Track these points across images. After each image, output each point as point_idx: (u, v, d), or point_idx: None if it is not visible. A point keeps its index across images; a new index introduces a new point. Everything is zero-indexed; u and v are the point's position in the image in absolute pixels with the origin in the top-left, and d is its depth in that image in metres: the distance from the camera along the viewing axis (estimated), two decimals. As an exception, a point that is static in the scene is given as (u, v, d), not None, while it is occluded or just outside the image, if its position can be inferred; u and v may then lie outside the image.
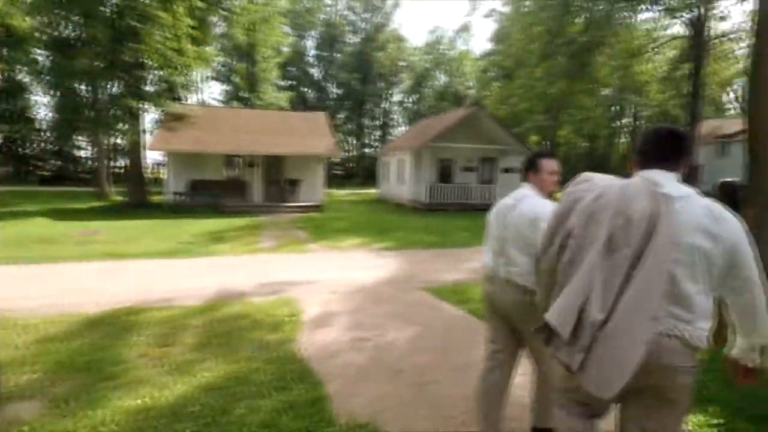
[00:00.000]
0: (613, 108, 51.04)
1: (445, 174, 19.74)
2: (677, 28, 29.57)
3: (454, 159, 19.72)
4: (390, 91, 52.45)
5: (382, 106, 52.60)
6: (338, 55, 48.94)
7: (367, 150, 49.89)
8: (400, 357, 3.73)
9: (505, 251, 2.27)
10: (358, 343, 4.03)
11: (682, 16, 28.29)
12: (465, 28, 53.37)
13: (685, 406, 1.50)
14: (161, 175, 28.06)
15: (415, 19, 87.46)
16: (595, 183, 1.56)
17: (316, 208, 17.28)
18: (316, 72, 49.97)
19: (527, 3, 23.80)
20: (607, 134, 57.25)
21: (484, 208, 14.03)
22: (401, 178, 20.92)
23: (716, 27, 30.63)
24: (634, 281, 1.34)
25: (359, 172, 46.48)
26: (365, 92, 47.53)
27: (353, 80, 46.73)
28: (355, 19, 49.58)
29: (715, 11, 28.54)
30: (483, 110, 18.80)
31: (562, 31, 20.94)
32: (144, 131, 21.33)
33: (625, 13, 24.39)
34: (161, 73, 17.18)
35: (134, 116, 16.76)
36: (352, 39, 49.72)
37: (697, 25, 27.54)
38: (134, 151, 18.85)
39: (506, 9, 33.08)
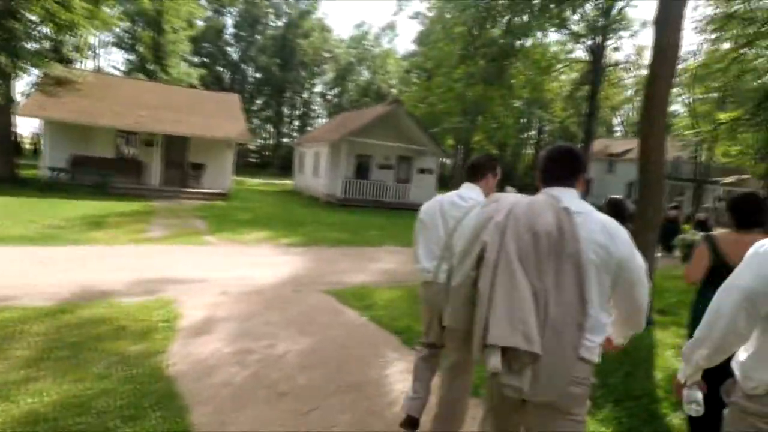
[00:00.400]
0: (522, 120, 54.81)
1: (361, 170, 19.48)
2: (580, 52, 32.36)
3: (372, 155, 19.54)
4: (312, 81, 51.13)
5: (304, 95, 51.13)
6: (259, 38, 46.55)
7: (285, 139, 48.17)
8: (287, 375, 3.27)
9: (451, 257, 2.10)
10: (241, 357, 3.50)
11: (584, 42, 30.98)
12: (391, 27, 53.85)
13: (583, 421, 1.56)
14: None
15: (342, 12, 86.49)
16: (504, 201, 1.61)
17: (222, 196, 16.03)
18: (233, 52, 47.05)
19: (450, 5, 24.23)
20: (515, 144, 61.38)
21: (399, 208, 13.99)
22: (317, 171, 20.29)
23: (611, 56, 34.11)
24: (557, 294, 1.40)
25: (276, 161, 44.72)
26: (286, 79, 45.76)
27: (273, 65, 44.77)
28: (279, 2, 47.48)
29: (610, 41, 31.69)
30: (403, 108, 18.81)
31: (482, 34, 21.67)
32: (22, 95, 18.20)
33: (538, 33, 26.08)
34: (44, 29, 14.72)
35: (4, 75, 14.15)
36: (275, 22, 47.59)
37: (596, 52, 30.34)
38: (2, 114, 15.98)
39: (431, 14, 33.80)
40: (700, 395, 1.58)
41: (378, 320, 4.63)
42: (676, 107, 35.79)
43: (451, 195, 2.39)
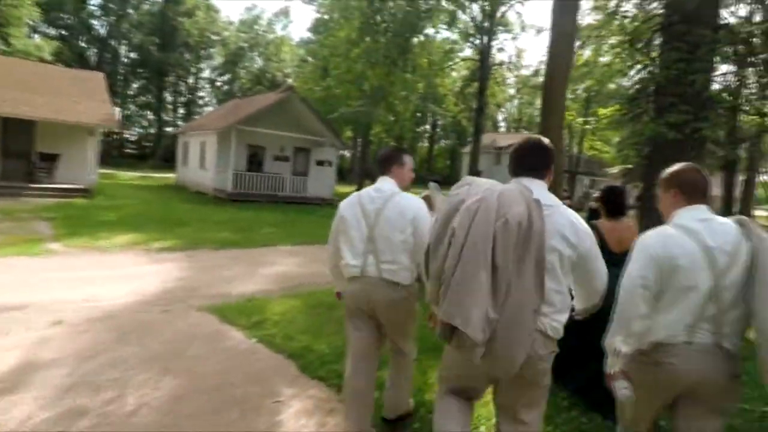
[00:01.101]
0: (417, 114, 56.39)
1: (254, 162, 18.00)
2: (469, 51, 33.97)
3: (266, 146, 18.15)
4: (199, 65, 46.89)
5: (189, 80, 46.69)
6: (132, 12, 41.23)
7: (168, 129, 43.56)
8: (134, 446, 2.35)
9: (376, 249, 2.24)
10: (66, 424, 2.46)
11: (473, 42, 32.51)
12: (285, 13, 51.38)
13: (547, 385, 1.81)
14: None
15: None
16: (477, 186, 1.68)
17: (83, 192, 13.51)
18: (99, 26, 41.07)
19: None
20: (411, 138, 63.14)
21: (297, 202, 12.74)
22: (204, 163, 18.30)
23: (496, 56, 36.38)
24: (518, 280, 1.52)
25: (158, 152, 40.19)
26: (167, 61, 41.21)
27: (151, 44, 40.01)
28: (155, -27, 42.46)
29: (495, 42, 33.74)
30: (298, 96, 17.69)
31: (383, 5, 21.15)
32: None
33: (431, 29, 26.55)
34: None
35: None
36: (151, -4, 42.53)
37: (483, 52, 32.04)
38: None
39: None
40: (625, 382, 1.79)
41: (270, 341, 3.82)
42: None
43: (366, 189, 2.39)
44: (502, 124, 59.53)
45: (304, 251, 8.30)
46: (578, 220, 1.71)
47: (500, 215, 1.52)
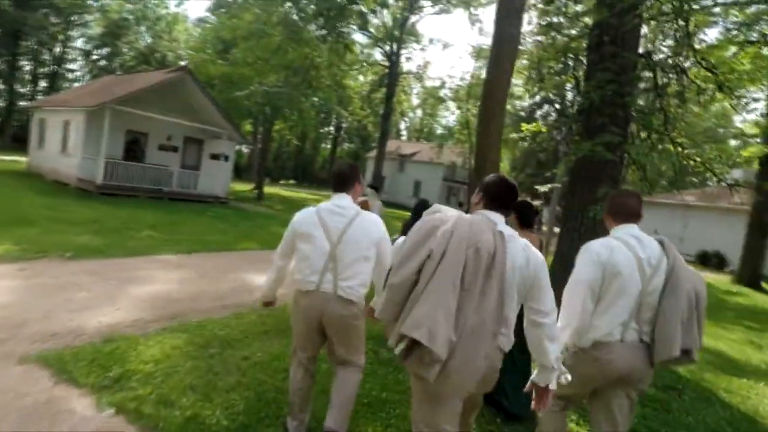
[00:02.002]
0: (322, 114, 55.23)
1: (134, 150, 15.41)
2: (379, 56, 33.90)
3: (149, 133, 15.67)
4: (69, 33, 40.23)
5: (56, 49, 39.80)
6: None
7: (23, 103, 36.51)
8: None
9: (336, 267, 2.27)
10: None
11: (382, 47, 32.50)
12: (180, -12, 46.57)
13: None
14: None
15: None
16: (447, 214, 1.85)
17: None
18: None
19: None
20: (314, 138, 61.64)
21: (185, 199, 10.44)
22: (66, 147, 15.12)
23: (404, 65, 36.88)
24: (480, 304, 1.66)
25: (6, 131, 33.41)
26: (24, 21, 34.48)
27: (2, -2, 33.17)
28: None
29: (404, 51, 34.13)
30: (192, 78, 15.48)
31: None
32: None
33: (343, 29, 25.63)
34: None
35: None
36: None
37: (392, 59, 32.19)
38: None
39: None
40: (564, 368, 1.97)
41: (135, 411, 2.59)
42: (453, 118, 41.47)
43: (326, 205, 2.38)
44: (404, 132, 60.98)
45: (192, 262, 6.83)
46: (529, 246, 1.85)
47: (471, 243, 1.69)
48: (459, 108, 34.39)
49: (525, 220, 3.13)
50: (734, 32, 6.93)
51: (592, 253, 2.07)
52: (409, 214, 4.60)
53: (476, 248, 1.67)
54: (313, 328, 2.37)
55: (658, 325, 2.02)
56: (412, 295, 1.67)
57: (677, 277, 2.03)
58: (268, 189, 26.78)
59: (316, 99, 30.34)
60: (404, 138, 57.03)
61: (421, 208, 4.75)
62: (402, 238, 2.24)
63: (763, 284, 14.87)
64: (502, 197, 1.92)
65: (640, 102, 6.46)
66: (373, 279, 2.42)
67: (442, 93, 36.29)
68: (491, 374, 1.78)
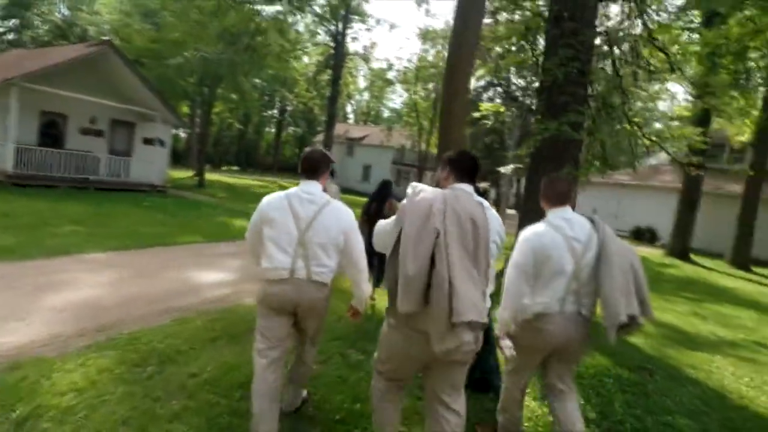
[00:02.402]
0: (265, 97, 52.95)
1: (51, 134, 13.73)
2: (324, 36, 32.69)
3: (69, 115, 14.00)
4: (-34, 1, 35.34)
5: (-49, 19, 34.90)
6: None
7: None
8: None
9: (307, 253, 2.26)
10: None
11: (327, 27, 31.37)
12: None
13: None
14: None
15: None
16: (430, 193, 1.88)
17: None
18: None
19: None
20: (258, 121, 59.16)
21: (117, 189, 8.85)
22: (-33, 131, 13.17)
23: (350, 46, 35.95)
24: (476, 270, 1.79)
25: None
26: None
27: None
28: None
29: (350, 31, 33.19)
30: (117, 53, 13.87)
31: None
32: None
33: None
34: None
35: None
36: None
37: (338, 39, 31.19)
38: None
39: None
40: (509, 342, 2.28)
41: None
42: (399, 101, 41.06)
43: (294, 191, 2.35)
44: (351, 116, 59.90)
45: (126, 260, 6.03)
46: (499, 218, 2.03)
47: (467, 216, 1.81)
48: (407, 90, 34.18)
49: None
50: (678, 15, 7.01)
51: (524, 240, 2.28)
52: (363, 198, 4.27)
53: (472, 220, 1.80)
54: (286, 316, 2.35)
55: (602, 296, 2.20)
56: (437, 280, 1.68)
57: (607, 252, 2.21)
58: (210, 176, 25.22)
59: (258, 81, 28.88)
60: (351, 121, 56.03)
61: (385, 189, 4.57)
62: (384, 221, 2.12)
63: (691, 256, 15.93)
64: (468, 169, 2.07)
65: (599, 81, 6.37)
66: (346, 271, 2.41)
67: (390, 75, 35.92)
68: (482, 329, 1.91)
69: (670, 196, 20.65)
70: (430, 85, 32.19)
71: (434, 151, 38.61)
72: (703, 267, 14.44)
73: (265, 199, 2.35)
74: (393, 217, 1.98)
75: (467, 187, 2.00)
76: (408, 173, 35.43)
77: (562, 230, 2.25)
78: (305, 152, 2.49)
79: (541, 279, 2.23)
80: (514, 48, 7.63)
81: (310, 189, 2.33)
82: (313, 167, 2.38)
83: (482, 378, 3.17)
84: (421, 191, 1.89)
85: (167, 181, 16.90)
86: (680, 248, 16.01)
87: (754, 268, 15.09)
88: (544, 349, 2.34)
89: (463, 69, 5.23)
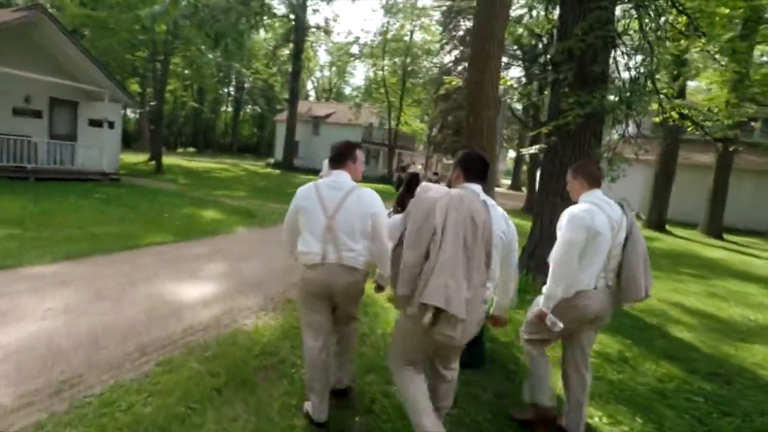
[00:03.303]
0: (220, 73, 49.89)
1: (-24, 117, 11.80)
2: (284, 9, 30.59)
3: (-3, 93, 12.06)
4: None
5: None
6: None
7: None
8: None
9: (336, 238, 2.37)
10: None
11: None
12: None
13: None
14: None
15: None
16: (437, 191, 2.06)
17: None
18: None
19: None
20: (213, 99, 55.86)
21: (62, 179, 7.16)
22: None
23: (311, 18, 33.90)
24: (477, 266, 1.92)
25: None
26: None
27: None
28: None
29: (310, 2, 31.20)
30: (52, 20, 11.92)
31: None
32: None
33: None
34: None
35: None
36: None
37: (298, 12, 29.25)
38: None
39: None
40: (555, 318, 2.35)
41: None
42: (367, 76, 39.35)
43: (324, 181, 2.49)
44: (312, 93, 57.44)
45: (80, 273, 4.87)
46: (505, 213, 2.24)
47: (468, 214, 1.95)
48: (373, 65, 32.75)
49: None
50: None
51: (577, 218, 2.33)
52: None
53: (472, 218, 1.95)
54: (319, 300, 2.48)
55: (626, 273, 2.39)
56: (425, 269, 1.88)
57: (634, 235, 2.40)
58: (166, 159, 23.27)
59: (211, 56, 26.59)
60: (312, 99, 53.73)
61: (413, 181, 4.49)
62: (397, 216, 2.25)
63: (668, 227, 16.08)
64: (478, 170, 2.27)
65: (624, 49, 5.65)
66: (372, 252, 2.48)
67: (354, 50, 34.27)
68: (481, 322, 2.13)
69: (639, 168, 20.95)
70: (397, 60, 30.95)
71: (404, 129, 37.52)
72: (682, 238, 14.53)
73: (299, 190, 2.49)
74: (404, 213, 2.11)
75: (476, 187, 2.19)
76: (377, 152, 34.38)
77: (606, 211, 2.38)
78: (334, 145, 2.61)
79: (586, 257, 2.34)
80: (533, 12, 6.77)
81: (338, 178, 2.47)
82: (338, 158, 2.52)
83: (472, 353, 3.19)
84: (428, 191, 2.06)
85: (121, 168, 15.21)
86: (657, 220, 16.13)
87: (726, 236, 15.42)
88: (579, 322, 2.45)
89: (496, 28, 4.33)
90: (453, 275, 1.82)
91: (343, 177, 2.47)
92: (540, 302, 2.44)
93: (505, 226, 2.16)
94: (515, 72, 34.73)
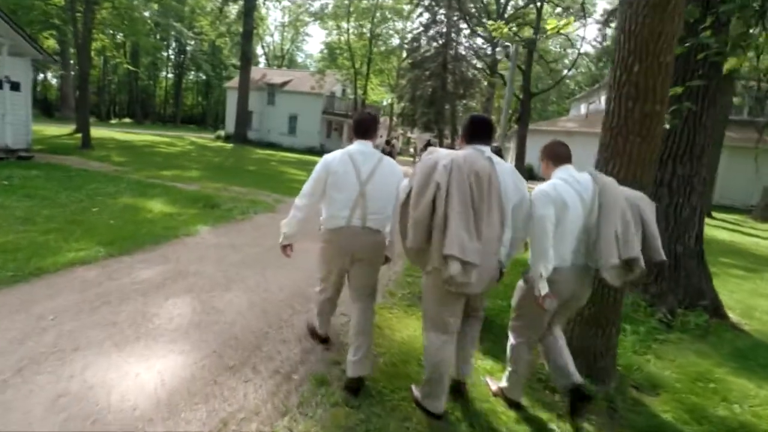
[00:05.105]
0: (156, 35, 44.64)
1: None
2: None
3: None
4: None
5: None
6: None
7: None
8: None
9: (365, 204, 2.52)
10: None
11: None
12: None
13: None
14: None
15: None
16: (441, 152, 2.24)
17: None
18: None
19: None
20: (150, 63, 50.27)
21: None
22: None
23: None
24: (488, 219, 2.11)
25: None
26: None
27: None
28: None
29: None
30: None
31: None
32: None
33: None
34: None
35: None
36: None
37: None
38: None
39: None
40: (552, 298, 2.29)
41: None
42: (321, 42, 36.02)
43: (353, 149, 2.59)
44: (262, 60, 52.89)
45: None
46: (515, 169, 2.35)
47: (471, 170, 2.09)
48: (338, 27, 29.71)
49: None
50: None
51: (542, 193, 2.34)
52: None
53: (476, 173, 2.09)
54: (345, 262, 2.62)
55: (597, 242, 2.31)
56: (434, 223, 2.07)
57: (606, 199, 2.32)
58: (97, 131, 19.73)
59: (146, 12, 22.81)
60: (262, 65, 49.40)
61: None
62: (406, 180, 2.41)
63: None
64: (481, 131, 2.34)
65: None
66: (390, 221, 2.66)
67: (314, 9, 30.96)
68: (496, 277, 2.27)
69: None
70: (364, 23, 28.22)
71: (373, 98, 34.99)
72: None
73: (329, 156, 2.60)
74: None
75: (481, 146, 2.28)
76: (340, 124, 31.83)
77: (573, 185, 2.36)
78: (357, 115, 2.76)
79: (557, 232, 2.32)
80: None
81: (364, 148, 2.60)
82: (366, 128, 2.66)
83: None
84: (433, 152, 2.27)
85: (35, 143, 12.10)
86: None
87: (714, 214, 14.93)
88: (559, 300, 2.41)
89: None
90: (465, 227, 2.01)
91: (368, 147, 2.61)
92: (523, 286, 2.52)
93: (517, 181, 2.28)
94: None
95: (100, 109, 45.00)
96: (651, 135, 2.71)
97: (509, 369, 2.63)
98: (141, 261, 4.55)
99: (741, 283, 6.41)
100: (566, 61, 36.35)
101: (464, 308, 2.37)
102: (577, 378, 2.47)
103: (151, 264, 4.48)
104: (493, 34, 5.93)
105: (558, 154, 2.52)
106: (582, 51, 26.03)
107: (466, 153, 2.19)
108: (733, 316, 4.77)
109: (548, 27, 5.18)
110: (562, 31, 5.49)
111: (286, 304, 3.84)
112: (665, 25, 2.56)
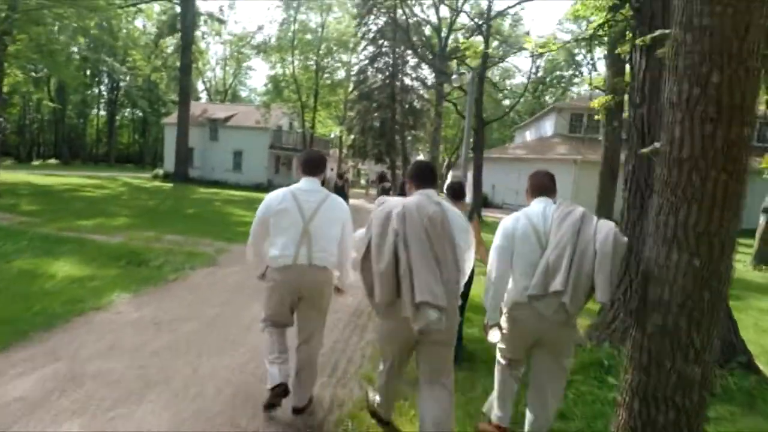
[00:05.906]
0: (87, 71, 42.03)
1: None
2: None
3: None
4: None
5: None
6: None
7: None
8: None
9: (310, 241, 2.56)
10: None
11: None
12: None
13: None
14: None
15: None
16: (392, 202, 2.26)
17: None
18: None
19: None
20: (80, 101, 47.10)
21: None
22: None
23: (200, 5, 29.18)
24: (445, 261, 2.10)
25: None
26: None
27: None
28: None
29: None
30: None
31: None
32: None
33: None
34: None
35: None
36: None
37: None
38: None
39: None
40: (496, 331, 2.46)
41: None
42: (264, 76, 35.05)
43: (298, 186, 2.66)
44: (203, 96, 50.93)
45: None
46: (461, 215, 2.36)
47: (424, 215, 2.11)
48: (282, 60, 28.88)
49: (456, 195, 3.59)
50: None
51: (501, 226, 2.44)
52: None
53: (429, 217, 2.11)
54: (289, 301, 2.65)
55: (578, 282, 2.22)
56: (402, 272, 2.03)
57: (583, 234, 2.23)
58: (10, 175, 17.38)
59: (75, 47, 21.04)
60: (204, 101, 47.48)
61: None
62: (361, 231, 2.35)
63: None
64: (426, 177, 2.41)
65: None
66: (337, 256, 2.67)
67: (257, 42, 30.04)
68: (457, 320, 2.35)
69: (568, 168, 20.88)
70: (310, 55, 27.67)
71: (322, 131, 34.06)
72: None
73: (271, 195, 2.66)
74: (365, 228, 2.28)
75: (429, 191, 2.31)
76: (288, 159, 30.63)
77: (532, 219, 2.36)
78: (304, 154, 2.91)
79: (513, 265, 2.35)
80: None
81: (309, 186, 2.66)
82: (313, 167, 2.73)
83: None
84: (384, 202, 2.27)
85: None
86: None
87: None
88: (520, 340, 2.45)
89: None
90: (430, 272, 2.01)
91: (314, 185, 2.68)
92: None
93: (463, 224, 2.30)
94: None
95: (19, 150, 41.16)
96: (738, 169, 1.94)
97: (494, 393, 2.70)
98: (19, 361, 3.22)
99: (739, 317, 5.91)
100: (506, 91, 37.74)
101: (426, 374, 2.31)
102: (496, 415, 2.58)
103: (33, 365, 3.17)
104: (466, 54, 5.33)
105: (533, 185, 2.55)
106: (524, 80, 26.85)
107: (417, 199, 2.23)
108: (761, 366, 4.13)
109: (527, 46, 4.55)
110: (540, 51, 4.91)
111: (225, 418, 2.68)
112: (753, 14, 1.84)
